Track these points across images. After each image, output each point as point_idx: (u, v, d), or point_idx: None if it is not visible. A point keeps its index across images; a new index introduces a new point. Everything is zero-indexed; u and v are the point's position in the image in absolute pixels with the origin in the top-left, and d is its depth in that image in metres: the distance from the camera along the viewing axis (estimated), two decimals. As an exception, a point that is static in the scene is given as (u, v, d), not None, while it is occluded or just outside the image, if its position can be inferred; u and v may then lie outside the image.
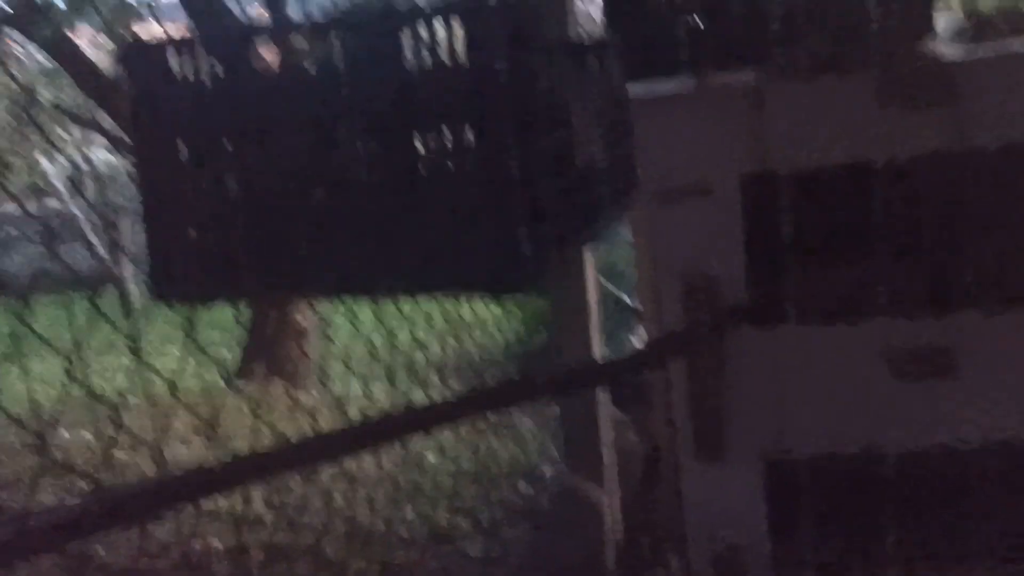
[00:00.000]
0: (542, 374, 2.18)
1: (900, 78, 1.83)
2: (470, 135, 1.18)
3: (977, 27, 1.97)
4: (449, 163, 1.18)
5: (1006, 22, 1.90)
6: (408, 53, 1.19)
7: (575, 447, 2.62)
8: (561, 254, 1.64)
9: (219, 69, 1.18)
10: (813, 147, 1.94)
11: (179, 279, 1.25)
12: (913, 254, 2.03)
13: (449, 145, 1.18)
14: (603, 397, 2.56)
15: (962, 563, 2.16)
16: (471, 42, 1.16)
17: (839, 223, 2.03)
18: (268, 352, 5.24)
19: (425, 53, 1.19)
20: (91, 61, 5.00)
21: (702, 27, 2.09)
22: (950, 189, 1.99)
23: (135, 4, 4.68)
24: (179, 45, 1.27)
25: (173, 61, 1.21)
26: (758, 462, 2.15)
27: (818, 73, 1.90)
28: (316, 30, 1.25)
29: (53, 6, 4.60)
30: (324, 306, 3.67)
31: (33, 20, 4.54)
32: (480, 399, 1.91)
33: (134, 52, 1.29)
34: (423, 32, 1.19)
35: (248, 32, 1.29)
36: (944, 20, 2.08)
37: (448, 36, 1.18)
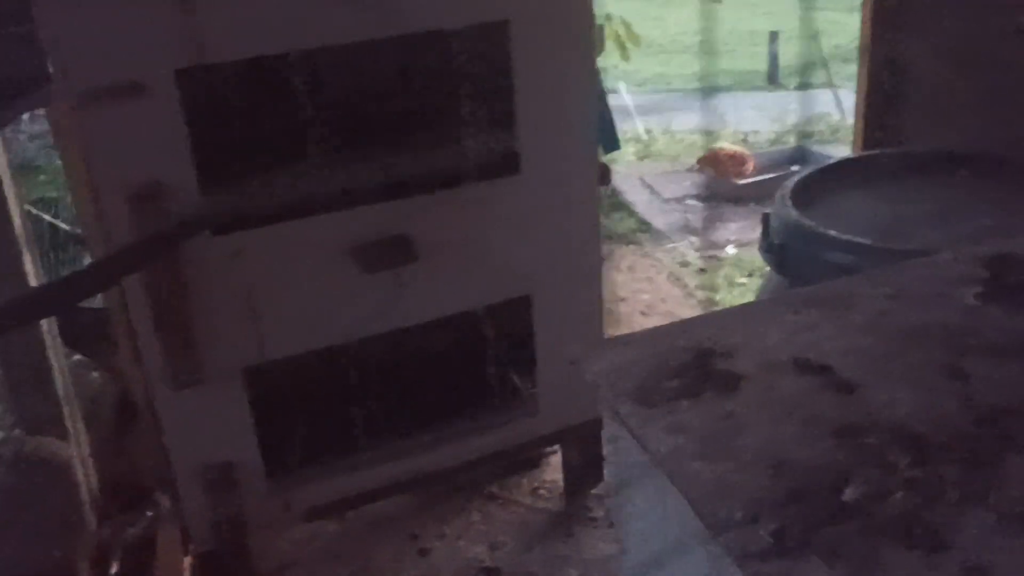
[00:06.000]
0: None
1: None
2: None
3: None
4: None
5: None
6: None
7: (28, 401, 2.28)
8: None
9: None
10: (249, 38, 1.84)
11: None
12: (363, 145, 2.04)
13: None
14: (53, 340, 2.25)
15: (424, 428, 2.29)
16: None
17: (287, 116, 1.97)
18: None
19: None
20: None
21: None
22: (382, 75, 2.03)
23: None
24: None
25: None
26: (237, 376, 2.05)
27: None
28: None
29: None
30: None
31: None
32: None
33: None
34: None
35: None
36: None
37: None
